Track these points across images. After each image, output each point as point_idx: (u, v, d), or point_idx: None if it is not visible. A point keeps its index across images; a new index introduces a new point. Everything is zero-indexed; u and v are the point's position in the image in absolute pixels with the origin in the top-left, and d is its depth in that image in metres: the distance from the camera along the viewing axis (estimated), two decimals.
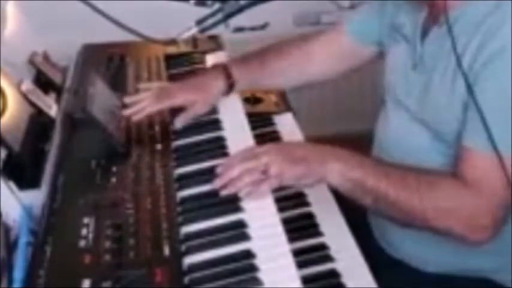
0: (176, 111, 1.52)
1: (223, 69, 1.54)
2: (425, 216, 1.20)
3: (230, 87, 1.54)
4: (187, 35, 1.49)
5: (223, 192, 1.24)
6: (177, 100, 1.49)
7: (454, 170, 1.23)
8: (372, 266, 1.24)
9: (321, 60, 1.61)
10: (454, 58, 1.19)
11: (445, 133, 1.26)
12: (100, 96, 1.42)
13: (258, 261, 1.11)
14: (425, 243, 1.33)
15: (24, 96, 1.40)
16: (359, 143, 1.43)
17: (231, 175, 1.24)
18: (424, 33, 1.31)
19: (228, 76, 1.53)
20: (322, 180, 1.24)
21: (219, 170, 1.26)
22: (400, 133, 1.37)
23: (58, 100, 1.54)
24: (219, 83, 1.52)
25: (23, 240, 1.12)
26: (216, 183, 1.25)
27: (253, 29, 1.53)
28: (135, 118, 1.46)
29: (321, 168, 1.22)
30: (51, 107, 1.47)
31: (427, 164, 1.28)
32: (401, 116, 1.37)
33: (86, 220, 1.18)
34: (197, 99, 1.49)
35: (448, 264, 1.35)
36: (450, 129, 1.24)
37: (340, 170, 1.22)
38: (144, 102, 1.48)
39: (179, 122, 1.47)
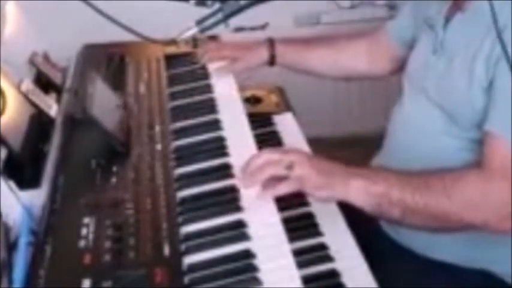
0: (177, 111, 1.53)
1: (269, 41, 1.69)
2: (457, 214, 1.19)
3: (272, 59, 1.68)
4: (187, 35, 1.49)
5: (244, 185, 1.23)
6: (225, 52, 1.71)
7: (474, 160, 1.22)
8: (376, 251, 1.24)
9: (363, 58, 1.67)
10: (474, 45, 1.20)
11: (460, 117, 1.26)
12: (100, 96, 1.42)
13: (258, 261, 1.11)
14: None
15: (25, 96, 1.40)
16: (359, 143, 1.43)
17: (256, 163, 1.23)
18: (447, 21, 1.33)
19: (272, 48, 1.67)
20: (340, 197, 1.23)
21: (247, 161, 1.25)
22: (417, 117, 1.38)
23: (58, 100, 1.54)
24: (262, 52, 1.69)
25: (23, 240, 1.12)
26: (241, 173, 1.25)
27: (253, 29, 1.54)
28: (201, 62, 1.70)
29: (341, 185, 1.22)
30: (51, 107, 1.47)
31: (442, 147, 1.29)
32: (418, 101, 1.38)
33: (86, 220, 1.18)
34: (239, 57, 1.68)
35: (454, 252, 1.35)
36: (466, 113, 1.24)
37: (363, 186, 1.21)
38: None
39: (217, 72, 1.65)
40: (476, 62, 1.22)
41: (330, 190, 1.23)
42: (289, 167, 1.22)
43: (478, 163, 1.23)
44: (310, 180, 1.22)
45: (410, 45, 1.52)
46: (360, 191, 1.21)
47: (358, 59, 1.69)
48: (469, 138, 1.28)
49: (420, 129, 1.36)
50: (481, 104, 1.22)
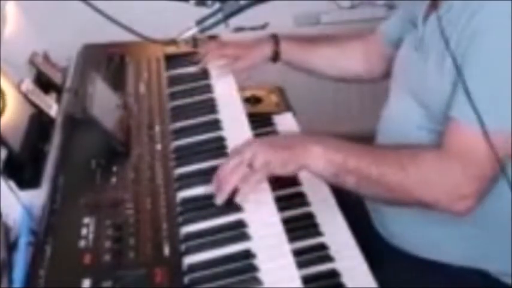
0: (177, 111, 1.53)
1: (273, 37, 1.69)
2: (410, 190, 1.21)
3: (275, 56, 1.68)
4: (187, 35, 1.49)
5: (218, 200, 1.23)
6: (228, 50, 1.69)
7: (438, 143, 1.24)
8: (371, 253, 1.24)
9: (360, 58, 1.67)
10: (443, 39, 1.23)
11: (436, 111, 1.27)
12: (100, 96, 1.42)
13: (258, 261, 1.11)
14: (426, 229, 1.34)
15: (25, 96, 1.40)
16: (359, 142, 1.43)
17: (220, 178, 1.23)
18: (426, 18, 1.35)
19: (276, 44, 1.67)
20: (305, 166, 1.24)
21: (214, 184, 1.26)
22: (400, 115, 1.39)
23: (58, 100, 1.54)
24: (265, 48, 1.68)
25: (23, 240, 1.12)
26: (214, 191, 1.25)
27: (253, 29, 1.54)
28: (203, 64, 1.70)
29: (303, 152, 1.23)
30: (51, 107, 1.47)
31: (421, 142, 1.30)
32: (403, 99, 1.39)
33: (86, 220, 1.18)
34: (242, 55, 1.67)
35: (448, 252, 1.36)
36: (440, 107, 1.26)
37: (322, 153, 1.23)
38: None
39: (219, 71, 1.66)
40: (446, 58, 1.24)
41: (294, 161, 1.24)
42: (250, 162, 1.23)
43: (438, 144, 1.25)
44: (273, 161, 1.23)
45: (398, 46, 1.52)
46: (318, 157, 1.23)
47: (355, 59, 1.69)
48: (438, 132, 1.30)
49: (402, 126, 1.37)
50: (448, 95, 1.24)
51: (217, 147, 1.41)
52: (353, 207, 1.36)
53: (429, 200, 1.22)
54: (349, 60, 1.70)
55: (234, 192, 1.23)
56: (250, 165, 1.23)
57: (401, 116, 1.39)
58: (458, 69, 1.18)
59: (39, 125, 1.39)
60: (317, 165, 1.24)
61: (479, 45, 1.18)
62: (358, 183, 1.24)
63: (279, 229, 1.19)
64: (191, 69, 1.73)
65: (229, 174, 1.23)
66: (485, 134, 1.15)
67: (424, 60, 1.32)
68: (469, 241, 1.33)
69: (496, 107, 1.16)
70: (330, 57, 1.70)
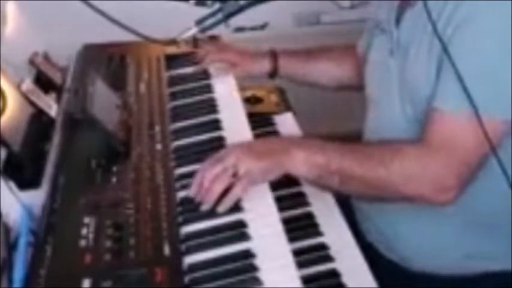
0: (177, 111, 1.53)
1: (272, 53, 1.71)
2: (394, 185, 1.22)
3: (274, 71, 1.70)
4: (187, 35, 1.49)
5: (203, 208, 1.22)
6: (228, 56, 1.70)
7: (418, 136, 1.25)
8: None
9: (355, 69, 1.67)
10: (428, 29, 1.23)
11: (421, 106, 1.27)
12: (100, 96, 1.42)
13: (258, 261, 1.11)
14: (417, 237, 1.35)
15: (25, 96, 1.40)
16: (356, 142, 1.43)
17: (202, 190, 1.22)
18: (398, 20, 1.35)
19: (275, 61, 1.69)
20: (288, 170, 1.24)
21: (192, 189, 1.24)
22: (384, 129, 1.39)
23: (58, 100, 1.54)
24: (265, 63, 1.70)
25: (23, 240, 1.12)
26: (196, 200, 1.23)
27: (253, 29, 1.54)
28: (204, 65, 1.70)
29: (285, 158, 1.23)
30: (51, 107, 1.47)
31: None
32: (383, 111, 1.39)
33: (86, 220, 1.18)
34: (240, 63, 1.68)
35: (438, 263, 1.36)
36: (426, 101, 1.25)
37: (303, 157, 1.23)
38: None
39: (216, 74, 1.66)
40: (431, 53, 1.24)
41: (277, 168, 1.24)
42: (234, 171, 1.22)
43: (418, 138, 1.25)
44: (256, 169, 1.23)
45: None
46: (300, 161, 1.23)
47: (350, 71, 1.69)
48: None
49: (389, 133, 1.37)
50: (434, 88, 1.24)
51: (217, 147, 1.40)
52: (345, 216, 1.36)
53: (413, 195, 1.22)
54: (345, 72, 1.71)
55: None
56: (235, 174, 1.22)
57: (388, 124, 1.38)
58: (446, 50, 1.17)
59: (39, 125, 1.39)
60: (300, 170, 1.24)
61: (464, 34, 1.18)
62: (342, 182, 1.24)
63: (279, 229, 1.19)
64: (191, 69, 1.73)
65: (213, 183, 1.21)
66: (474, 117, 1.14)
67: (402, 61, 1.32)
68: (460, 251, 1.34)
69: (482, 93, 1.15)
70: (327, 71, 1.72)
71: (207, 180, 1.22)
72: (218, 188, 1.21)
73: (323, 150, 1.24)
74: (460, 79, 1.15)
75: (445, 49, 1.18)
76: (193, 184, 1.25)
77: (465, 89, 1.14)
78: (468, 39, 1.18)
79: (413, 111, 1.30)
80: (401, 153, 1.22)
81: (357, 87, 1.69)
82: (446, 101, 1.20)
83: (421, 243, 1.37)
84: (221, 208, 1.21)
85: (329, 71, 1.72)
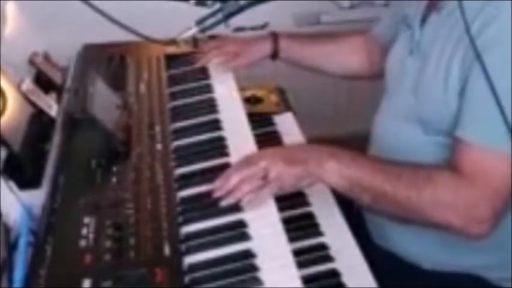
0: (177, 111, 1.54)
1: (272, 35, 1.69)
2: (424, 211, 1.19)
3: (275, 53, 1.69)
4: (187, 35, 1.49)
5: (224, 203, 1.22)
6: (228, 48, 1.70)
7: (449, 162, 1.22)
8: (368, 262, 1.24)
9: (361, 55, 1.67)
10: (449, 47, 1.21)
11: (432, 119, 1.26)
12: (100, 96, 1.42)
13: (258, 261, 1.12)
14: (421, 238, 1.34)
15: (25, 96, 1.40)
16: (359, 143, 1.43)
17: (227, 186, 1.22)
18: (424, 21, 1.33)
19: (275, 42, 1.68)
20: (319, 180, 1.24)
21: (217, 183, 1.24)
22: (393, 122, 1.39)
23: (58, 100, 1.54)
24: (265, 45, 1.69)
25: (23, 240, 1.12)
26: (216, 195, 1.23)
27: (253, 29, 1.54)
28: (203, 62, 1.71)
29: (318, 168, 1.22)
30: (51, 107, 1.47)
31: (418, 153, 1.29)
32: (394, 105, 1.39)
33: (86, 220, 1.18)
34: (241, 52, 1.68)
35: (443, 261, 1.36)
36: (438, 116, 1.24)
37: (336, 169, 1.21)
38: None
39: (219, 68, 1.67)
40: (452, 65, 1.21)
41: (308, 176, 1.23)
42: (264, 174, 1.22)
43: (450, 164, 1.22)
44: (286, 176, 1.22)
45: (389, 46, 1.50)
46: (333, 172, 1.22)
47: (355, 55, 1.69)
48: (435, 141, 1.29)
49: (397, 135, 1.37)
50: (454, 106, 1.22)
51: (217, 147, 1.41)
52: (349, 216, 1.36)
53: (442, 222, 1.19)
54: (348, 56, 1.70)
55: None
56: (264, 177, 1.22)
57: (396, 126, 1.37)
58: (479, 56, 1.12)
59: (39, 125, 1.39)
60: (331, 180, 1.23)
61: (488, 59, 1.13)
62: (374, 200, 1.22)
63: (279, 229, 1.19)
64: (191, 69, 1.73)
65: (242, 182, 1.21)
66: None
67: (420, 65, 1.30)
68: (452, 248, 1.32)
69: (498, 124, 1.11)
70: (328, 53, 1.70)
71: (236, 177, 1.22)
72: (246, 188, 1.21)
73: (356, 164, 1.22)
74: (502, 111, 1.10)
75: (476, 51, 1.13)
76: (221, 178, 1.24)
77: (507, 123, 1.10)
78: (492, 64, 1.13)
79: (424, 110, 1.29)
80: (434, 179, 1.19)
81: (367, 76, 1.68)
82: (471, 131, 1.17)
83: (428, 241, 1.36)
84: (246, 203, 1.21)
85: (330, 53, 1.70)
